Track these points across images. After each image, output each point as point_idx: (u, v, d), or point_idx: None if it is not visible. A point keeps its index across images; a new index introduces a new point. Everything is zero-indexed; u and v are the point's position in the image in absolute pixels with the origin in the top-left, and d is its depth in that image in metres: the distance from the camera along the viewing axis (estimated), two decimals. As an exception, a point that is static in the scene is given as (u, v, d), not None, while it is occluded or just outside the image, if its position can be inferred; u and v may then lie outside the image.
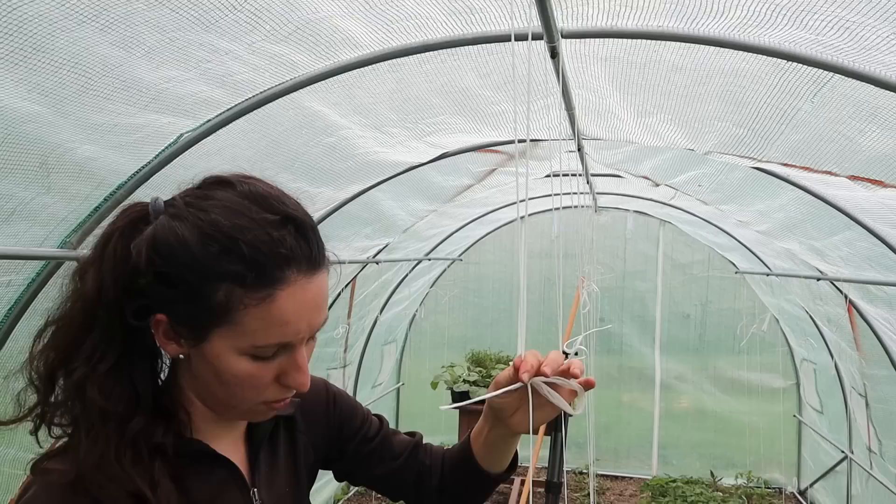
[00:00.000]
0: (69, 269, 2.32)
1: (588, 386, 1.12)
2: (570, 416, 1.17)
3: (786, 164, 2.82)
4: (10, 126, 1.70)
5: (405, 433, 1.39)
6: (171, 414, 0.98)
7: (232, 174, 0.96)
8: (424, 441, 1.39)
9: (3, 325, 2.31)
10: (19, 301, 2.31)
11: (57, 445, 0.96)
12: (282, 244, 0.89)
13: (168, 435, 0.96)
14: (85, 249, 2.18)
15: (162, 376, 1.02)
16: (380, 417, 1.38)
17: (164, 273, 0.89)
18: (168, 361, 1.02)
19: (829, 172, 2.64)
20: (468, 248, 7.32)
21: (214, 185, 0.94)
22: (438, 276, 7.38)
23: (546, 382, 1.08)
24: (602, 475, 7.06)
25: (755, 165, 3.02)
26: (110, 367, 0.92)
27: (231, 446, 1.10)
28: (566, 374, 1.10)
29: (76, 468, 0.90)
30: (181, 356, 0.97)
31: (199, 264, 0.88)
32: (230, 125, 2.26)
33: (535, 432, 1.13)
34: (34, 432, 0.96)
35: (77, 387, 0.92)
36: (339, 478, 1.35)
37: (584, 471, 6.88)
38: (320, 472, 1.31)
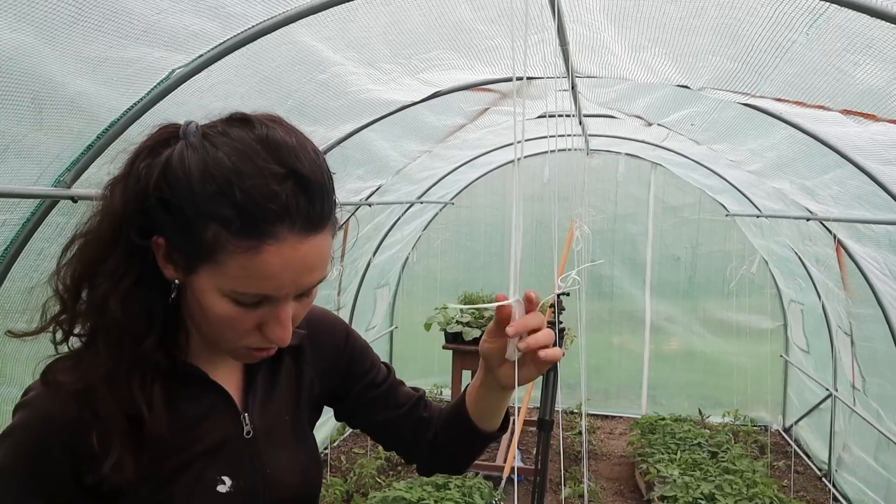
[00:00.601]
0: (64, 207, 2.31)
1: (553, 358, 1.08)
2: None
3: (779, 100, 2.81)
4: (0, 58, 1.68)
5: (410, 387, 1.41)
6: (171, 336, 1.01)
7: (258, 114, 0.96)
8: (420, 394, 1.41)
9: (0, 265, 2.31)
10: (15, 241, 2.31)
11: (68, 353, 1.00)
12: (277, 198, 0.88)
13: (166, 356, 0.99)
14: (80, 188, 2.19)
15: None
16: (387, 366, 1.39)
17: (166, 200, 0.91)
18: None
19: (822, 107, 2.64)
20: (460, 191, 7.31)
21: (236, 121, 0.95)
22: (430, 220, 7.39)
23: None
24: (593, 415, 7.20)
25: (748, 101, 3.02)
26: (131, 284, 0.95)
27: (227, 372, 1.12)
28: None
29: (86, 380, 0.95)
30: (177, 281, 0.98)
31: (196, 200, 0.89)
32: (223, 60, 2.23)
33: (520, 385, 1.14)
34: (59, 343, 0.99)
35: (100, 300, 0.95)
36: (339, 418, 1.37)
37: (576, 410, 7.01)
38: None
